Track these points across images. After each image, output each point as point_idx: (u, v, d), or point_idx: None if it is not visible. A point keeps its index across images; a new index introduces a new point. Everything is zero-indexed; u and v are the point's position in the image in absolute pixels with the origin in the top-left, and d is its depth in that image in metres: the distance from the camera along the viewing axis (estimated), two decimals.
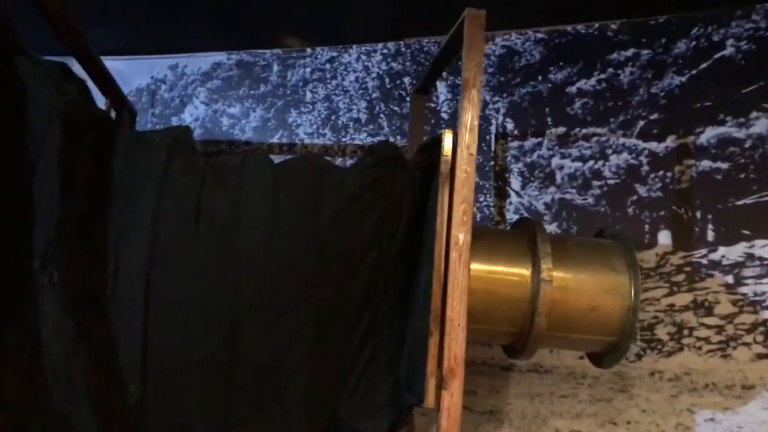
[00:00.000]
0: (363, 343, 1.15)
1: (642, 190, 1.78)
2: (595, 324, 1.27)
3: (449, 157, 1.15)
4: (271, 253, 1.11)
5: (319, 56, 2.08)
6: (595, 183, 1.83)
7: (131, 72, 2.17)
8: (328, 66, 2.07)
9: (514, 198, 1.88)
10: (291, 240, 1.11)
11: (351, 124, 2.03)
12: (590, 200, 1.82)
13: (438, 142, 1.19)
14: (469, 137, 1.14)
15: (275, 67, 2.11)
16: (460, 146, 1.13)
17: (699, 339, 1.68)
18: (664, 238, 1.74)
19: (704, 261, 1.70)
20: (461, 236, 1.10)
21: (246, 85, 2.11)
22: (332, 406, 1.12)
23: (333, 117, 2.04)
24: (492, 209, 1.89)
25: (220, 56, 2.13)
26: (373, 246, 1.15)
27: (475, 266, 1.22)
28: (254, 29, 2.07)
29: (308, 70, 2.09)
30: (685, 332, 1.68)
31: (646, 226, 1.77)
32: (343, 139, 2.02)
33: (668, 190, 1.76)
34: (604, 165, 1.82)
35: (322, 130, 2.05)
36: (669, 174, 1.77)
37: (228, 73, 2.12)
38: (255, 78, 2.11)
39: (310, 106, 2.07)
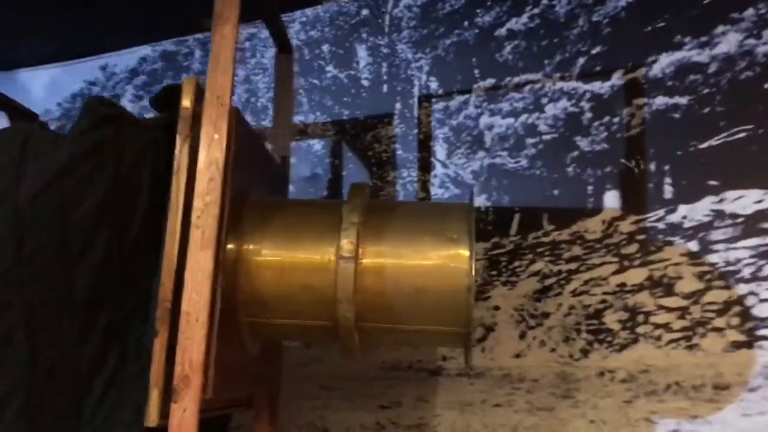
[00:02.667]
0: (102, 353, 1.00)
1: (584, 143, 1.51)
2: (426, 311, 1.05)
3: (190, 109, 1.00)
4: None
5: (239, 36, 2.00)
6: (529, 141, 1.58)
7: (65, 78, 2.21)
8: (247, 44, 1.99)
9: (439, 169, 1.67)
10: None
11: (270, 105, 1.92)
12: (524, 162, 1.57)
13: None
14: (221, 80, 0.99)
15: (197, 53, 2.05)
16: (207, 93, 0.99)
17: (657, 326, 1.37)
18: (612, 200, 1.45)
19: (661, 225, 1.39)
20: (204, 209, 0.95)
21: (169, 76, 2.07)
22: (67, 429, 1.00)
23: (252, 99, 1.95)
24: (416, 185, 1.69)
25: (145, 50, 2.11)
26: (98, 233, 0.98)
27: (268, 248, 1.06)
28: (175, 15, 2.04)
29: None
30: (640, 318, 1.38)
31: (590, 188, 1.48)
32: (263, 123, 1.92)
33: (615, 140, 1.47)
34: (539, 118, 1.57)
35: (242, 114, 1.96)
36: (615, 120, 1.48)
37: (153, 66, 2.10)
38: (178, 68, 2.07)
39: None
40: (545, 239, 1.50)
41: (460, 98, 1.65)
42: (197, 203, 0.94)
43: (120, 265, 0.98)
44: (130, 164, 0.99)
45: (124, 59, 2.13)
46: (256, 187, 1.12)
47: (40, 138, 0.99)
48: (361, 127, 1.77)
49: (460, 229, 1.03)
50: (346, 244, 1.02)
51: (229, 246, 1.01)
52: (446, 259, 1.02)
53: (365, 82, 1.79)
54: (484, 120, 1.62)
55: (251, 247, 1.05)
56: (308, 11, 1.90)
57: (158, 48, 2.09)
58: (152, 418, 0.89)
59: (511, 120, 1.59)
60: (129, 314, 0.99)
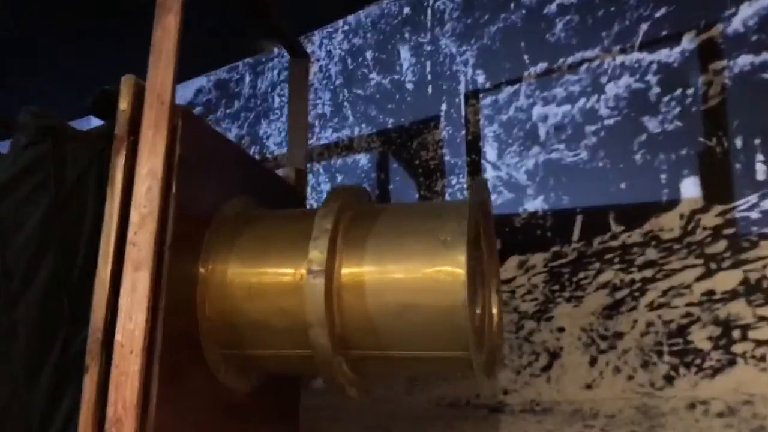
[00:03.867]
0: (56, 385, 0.91)
1: (653, 124, 1.27)
2: (418, 333, 0.87)
3: (128, 112, 0.91)
4: None
5: (284, 54, 1.95)
6: (589, 129, 1.35)
7: None
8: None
9: (490, 172, 1.48)
10: None
11: (316, 122, 1.83)
12: (583, 155, 1.35)
13: None
14: (162, 77, 0.89)
15: (247, 78, 2.02)
16: (147, 92, 0.89)
17: (759, 343, 1.09)
18: (690, 188, 1.20)
19: (754, 214, 1.12)
20: (140, 223, 0.84)
21: (223, 104, 2.05)
22: None
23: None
24: (466, 193, 1.52)
25: (201, 81, 2.12)
26: (42, 259, 0.90)
27: (234, 267, 0.94)
28: (225, 43, 2.03)
29: (275, 72, 1.96)
30: (736, 334, 1.11)
31: (663, 177, 1.24)
32: (309, 142, 1.83)
33: (690, 116, 1.22)
34: (598, 101, 1.34)
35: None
36: (689, 92, 1.23)
37: (208, 96, 2.10)
38: (230, 95, 2.04)
39: (278, 112, 1.93)
40: (613, 243, 1.27)
41: (510, 89, 1.47)
42: (133, 216, 0.85)
43: (68, 294, 0.90)
44: (73, 180, 0.92)
45: (181, 92, 2.15)
46: (235, 200, 1.01)
47: None
48: (406, 135, 1.63)
49: (455, 230, 0.86)
50: (316, 255, 0.87)
51: (188, 267, 0.91)
52: (437, 268, 0.85)
53: (409, 86, 1.65)
54: (537, 110, 1.43)
55: (216, 266, 0.94)
56: (350, 18, 1.81)
57: (212, 77, 2.09)
58: None
59: (567, 107, 1.38)
60: (82, 349, 0.90)
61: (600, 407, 1.24)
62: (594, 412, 1.24)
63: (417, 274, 0.86)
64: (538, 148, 1.41)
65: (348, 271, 0.89)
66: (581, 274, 1.30)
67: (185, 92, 2.13)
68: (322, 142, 1.79)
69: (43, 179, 0.91)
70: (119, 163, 0.87)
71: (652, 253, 1.22)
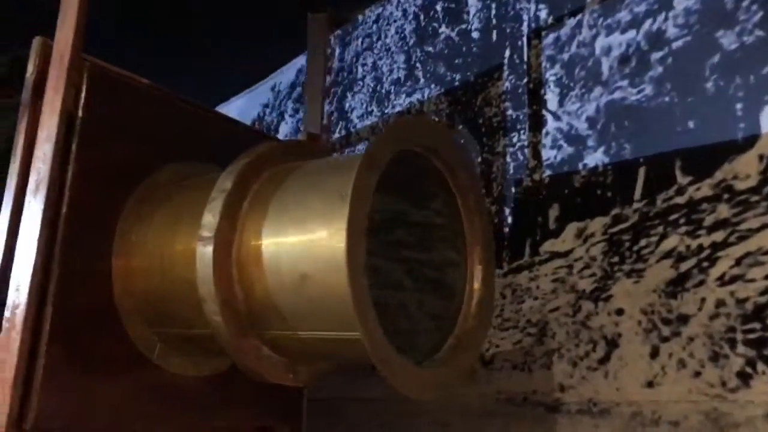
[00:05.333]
0: None
1: (729, 39, 0.96)
2: (316, 308, 0.72)
3: (33, 74, 0.86)
4: None
5: (368, 20, 1.84)
6: (655, 57, 1.07)
7: (248, 105, 2.31)
8: (374, 27, 1.81)
9: (551, 124, 1.24)
10: None
11: (392, 88, 1.70)
12: (648, 90, 1.07)
13: None
14: (65, 35, 0.83)
15: (337, 51, 1.95)
16: (54, 54, 0.85)
17: None
18: None
19: None
20: (34, 191, 0.79)
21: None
22: None
23: (378, 87, 1.75)
24: (527, 151, 1.29)
25: (301, 60, 2.09)
26: None
27: (154, 237, 0.86)
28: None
29: (360, 41, 1.87)
30: None
31: (738, 107, 0.93)
32: (386, 111, 1.70)
33: None
34: (666, 19, 1.05)
35: (370, 106, 1.77)
36: None
37: (305, 75, 2.06)
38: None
39: (360, 83, 1.82)
40: (679, 199, 1.00)
41: (572, 21, 1.23)
42: (30, 184, 0.82)
43: None
44: (2, 151, 0.93)
45: (287, 74, 2.15)
46: (176, 166, 0.94)
47: None
48: (471, 92, 1.45)
49: (350, 182, 0.71)
50: (208, 220, 0.77)
51: (94, 239, 0.85)
52: (330, 229, 0.71)
53: (475, 34, 1.46)
54: (600, 42, 1.17)
55: (138, 237, 0.88)
56: None
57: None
58: None
59: (632, 33, 1.11)
60: None
61: (662, 411, 0.98)
62: (656, 417, 0.98)
63: (311, 238, 0.72)
64: (600, 89, 1.16)
65: (248, 237, 0.78)
66: (643, 242, 1.04)
67: (289, 73, 2.13)
68: (396, 109, 1.67)
69: None
70: (21, 129, 0.85)
71: (723, 210, 0.93)
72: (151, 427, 0.92)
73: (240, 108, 2.34)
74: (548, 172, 1.23)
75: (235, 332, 0.77)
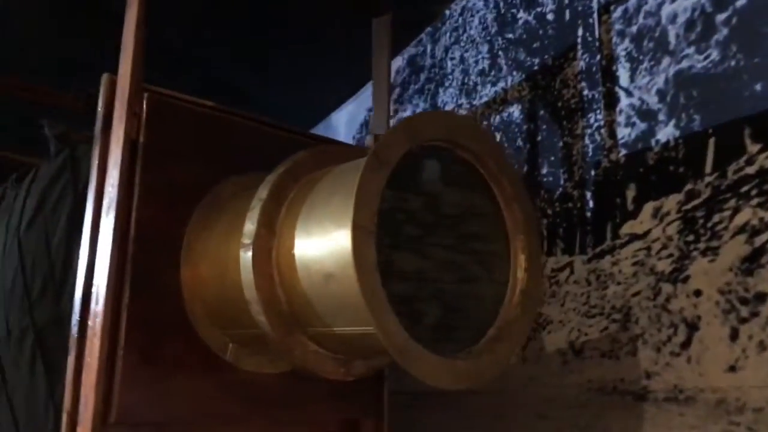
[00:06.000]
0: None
1: None
2: (341, 305, 0.74)
3: (103, 110, 0.95)
4: None
5: (454, 14, 1.83)
6: (720, 18, 0.99)
7: (357, 110, 2.38)
8: (460, 20, 1.80)
9: (624, 101, 1.18)
10: (9, 256, 1.10)
11: (478, 79, 1.68)
12: (714, 55, 0.99)
13: None
14: (124, 69, 0.91)
15: (428, 48, 1.96)
16: (118, 87, 0.94)
17: None
18: None
19: None
20: (105, 214, 0.90)
21: (412, 80, 2.02)
22: None
23: (465, 79, 1.74)
24: (602, 132, 1.23)
25: (398, 61, 2.13)
26: (73, 246, 1.00)
27: (215, 244, 0.93)
28: (409, 15, 2.00)
29: (448, 35, 1.86)
30: None
31: None
32: (474, 103, 1.69)
33: None
34: None
35: (459, 100, 1.77)
36: None
37: (402, 75, 2.09)
38: (416, 69, 2.00)
39: (450, 78, 1.82)
40: (749, 169, 0.92)
41: None
42: (103, 210, 0.93)
43: None
44: (87, 179, 1.03)
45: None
46: (237, 179, 1.01)
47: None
48: (549, 75, 1.42)
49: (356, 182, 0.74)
50: (248, 227, 0.84)
51: (162, 254, 0.94)
52: (340, 229, 0.74)
53: (550, 16, 1.43)
54: (666, 10, 1.11)
55: (202, 246, 0.96)
56: None
57: (405, 55, 2.09)
58: None
59: None
60: None
61: (746, 398, 0.92)
62: (740, 405, 0.92)
63: (330, 239, 0.76)
64: (668, 59, 1.10)
65: (284, 242, 0.83)
66: (716, 217, 0.98)
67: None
68: (483, 100, 1.66)
69: (66, 181, 1.06)
70: (95, 160, 0.96)
71: None
72: (233, 424, 1.01)
73: (350, 113, 2.42)
74: (624, 152, 1.18)
75: (281, 331, 0.83)
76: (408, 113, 2.03)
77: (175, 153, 0.97)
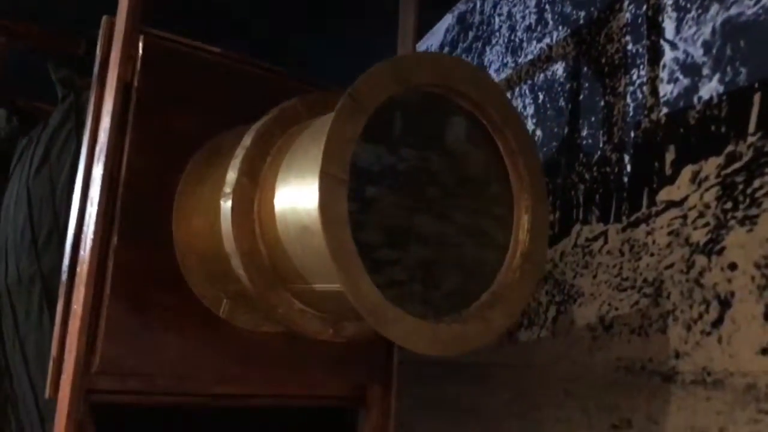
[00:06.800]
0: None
1: None
2: (317, 259, 0.69)
3: (101, 53, 0.91)
4: (8, 218, 1.14)
5: None
6: None
7: None
8: None
9: (668, 55, 1.07)
10: (19, 203, 1.11)
11: (524, 36, 1.58)
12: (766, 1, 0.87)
13: None
14: (121, 8, 0.88)
15: (477, 5, 1.86)
16: (115, 29, 0.90)
17: None
18: None
19: None
20: (96, 160, 0.87)
21: (461, 39, 1.93)
22: None
23: (512, 37, 1.64)
24: (644, 89, 1.12)
25: (448, 19, 2.03)
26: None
27: (203, 196, 0.90)
28: None
29: None
30: None
31: None
32: (519, 61, 1.59)
33: None
34: None
35: (505, 58, 1.67)
36: None
37: (452, 33, 2.00)
38: (466, 27, 1.91)
39: (497, 35, 1.72)
40: None
41: None
42: (95, 156, 0.90)
43: None
44: None
45: (437, 35, 2.11)
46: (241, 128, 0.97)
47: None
48: (595, 28, 1.31)
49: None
50: (230, 176, 0.80)
51: (153, 202, 0.91)
52: (313, 178, 0.68)
53: None
54: None
55: (193, 199, 0.92)
56: None
57: (456, 12, 2.01)
58: (48, 390, 0.88)
59: None
60: None
61: None
62: None
63: (305, 189, 0.71)
64: (716, 7, 0.99)
65: (266, 193, 0.79)
66: (756, 182, 0.88)
67: (438, 34, 2.10)
68: (528, 57, 1.56)
69: (71, 128, 1.04)
70: (91, 103, 0.94)
71: None
72: (228, 381, 0.99)
73: None
74: (665, 110, 1.08)
75: (262, 286, 0.80)
76: None
77: (172, 99, 0.94)
